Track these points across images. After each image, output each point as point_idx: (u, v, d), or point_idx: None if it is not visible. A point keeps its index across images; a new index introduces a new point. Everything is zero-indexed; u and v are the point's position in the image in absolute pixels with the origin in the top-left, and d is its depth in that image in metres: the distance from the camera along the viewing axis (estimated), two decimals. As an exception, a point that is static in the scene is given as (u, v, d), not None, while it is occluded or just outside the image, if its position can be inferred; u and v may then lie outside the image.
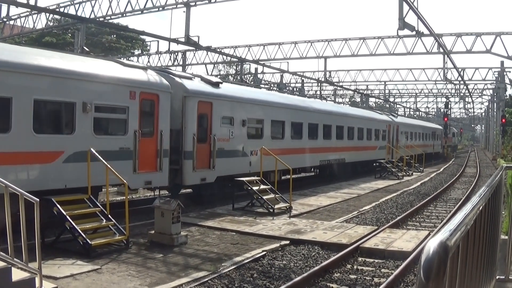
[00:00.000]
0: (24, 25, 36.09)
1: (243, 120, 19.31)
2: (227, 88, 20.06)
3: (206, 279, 8.82)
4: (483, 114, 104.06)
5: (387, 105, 76.75)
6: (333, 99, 65.74)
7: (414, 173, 36.12)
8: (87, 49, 20.49)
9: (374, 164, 32.91)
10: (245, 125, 19.45)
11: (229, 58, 40.19)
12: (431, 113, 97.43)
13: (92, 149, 11.88)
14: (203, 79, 18.82)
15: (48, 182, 11.46)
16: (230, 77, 55.47)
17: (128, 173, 13.63)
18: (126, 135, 13.98)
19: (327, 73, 43.25)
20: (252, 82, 42.46)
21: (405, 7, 19.08)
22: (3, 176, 9.36)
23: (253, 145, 19.66)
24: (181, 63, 42.51)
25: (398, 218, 15.78)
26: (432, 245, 1.75)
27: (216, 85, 18.71)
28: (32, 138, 11.36)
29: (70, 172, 11.85)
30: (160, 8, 26.07)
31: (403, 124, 43.23)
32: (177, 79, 16.83)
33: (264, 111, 21.09)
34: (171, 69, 19.53)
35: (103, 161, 11.49)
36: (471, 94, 63.71)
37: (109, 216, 11.32)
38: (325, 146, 26.57)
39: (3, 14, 34.01)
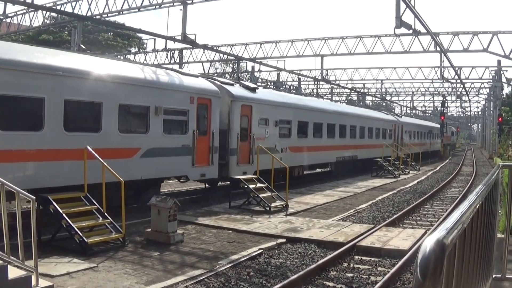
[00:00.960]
0: (20, 23, 36.01)
1: (276, 121, 21.90)
2: (263, 93, 23.01)
3: (203, 277, 8.82)
4: (480, 113, 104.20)
5: (384, 104, 76.80)
6: (329, 97, 65.81)
7: (410, 172, 36.20)
8: (84, 47, 20.41)
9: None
10: (277, 126, 22.05)
11: (226, 56, 40.17)
12: (427, 111, 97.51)
13: (159, 145, 15.07)
14: (242, 85, 21.52)
15: (129, 174, 13.27)
16: (226, 75, 55.44)
17: (188, 166, 16.58)
18: (187, 134, 16.51)
19: (324, 71, 43.17)
20: (248, 81, 42.42)
21: (402, 5, 19.07)
22: (95, 168, 11.59)
23: (283, 143, 22.37)
24: (177, 61, 42.44)
25: (395, 216, 15.81)
26: (429, 243, 1.74)
27: (253, 90, 21.38)
28: (117, 137, 13.83)
29: (145, 165, 14.41)
30: (157, 6, 26.02)
31: (407, 124, 46.31)
32: (223, 85, 19.26)
33: (293, 113, 23.75)
34: (214, 77, 22.47)
35: (100, 159, 11.46)
36: (468, 92, 63.73)
37: (106, 214, 11.31)
38: (341, 144, 29.41)
39: (0, 11, 33.93)
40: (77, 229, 10.29)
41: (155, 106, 14.98)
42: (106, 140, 13.31)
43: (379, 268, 9.97)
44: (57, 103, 11.98)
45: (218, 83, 19.15)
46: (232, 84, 20.36)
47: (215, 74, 51.37)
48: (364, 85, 62.72)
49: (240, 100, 19.29)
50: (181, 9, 23.27)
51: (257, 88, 22.19)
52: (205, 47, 28.76)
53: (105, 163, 11.41)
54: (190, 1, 23.59)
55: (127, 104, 14.22)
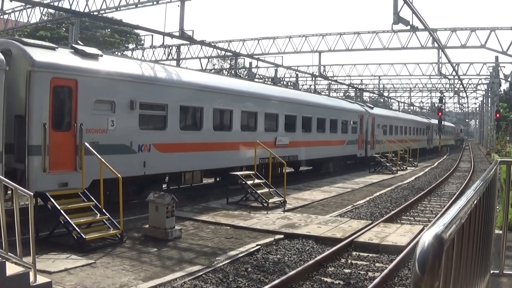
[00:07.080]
0: (18, 19, 35.86)
1: (382, 125, 38.46)
2: (376, 109, 40.20)
3: (201, 273, 8.83)
4: (477, 109, 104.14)
5: (381, 100, 76.78)
6: (327, 93, 65.75)
7: (408, 168, 36.27)
8: (81, 43, 20.32)
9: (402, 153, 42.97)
10: (382, 128, 38.72)
11: (223, 52, 40.12)
12: (425, 108, 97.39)
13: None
14: (366, 105, 38.25)
15: (342, 152, 30.24)
16: (224, 71, 55.34)
17: (356, 150, 32.70)
18: (356, 133, 32.50)
19: (322, 67, 43.18)
20: (246, 76, 42.36)
21: (400, 1, 19.04)
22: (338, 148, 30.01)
23: (384, 137, 38.43)
24: (175, 57, 42.36)
25: (392, 212, 15.83)
26: (427, 238, 1.74)
27: (372, 108, 38.51)
28: (340, 135, 29.63)
29: (346, 149, 30.84)
30: (155, 2, 25.90)
31: (435, 124, 61.06)
32: (362, 106, 35.94)
33: (386, 120, 40.77)
34: (357, 102, 41.55)
35: (98, 156, 11.46)
36: (466, 89, 63.76)
37: (103, 210, 11.30)
38: (408, 139, 45.29)
39: (-2, 8, 33.73)
40: (75, 226, 10.28)
41: (350, 119, 31.24)
42: (337, 136, 29.02)
43: (377, 264, 9.99)
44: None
45: (360, 104, 36.46)
46: (361, 105, 36.40)
47: (212, 71, 51.25)
48: (361, 81, 62.75)
49: (371, 115, 35.69)
50: (178, 5, 23.18)
51: (373, 107, 39.71)
52: (202, 43, 28.80)
53: (103, 160, 11.42)
54: (188, -3, 23.43)
55: (343, 119, 30.10)
